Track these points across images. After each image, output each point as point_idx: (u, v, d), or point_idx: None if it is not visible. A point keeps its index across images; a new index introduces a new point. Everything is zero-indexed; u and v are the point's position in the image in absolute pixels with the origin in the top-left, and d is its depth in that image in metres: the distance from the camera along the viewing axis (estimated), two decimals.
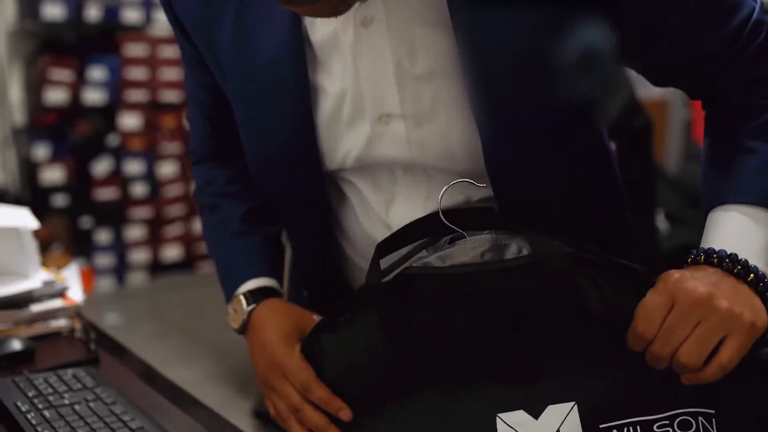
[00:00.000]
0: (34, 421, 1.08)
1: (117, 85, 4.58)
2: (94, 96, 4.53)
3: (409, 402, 0.90)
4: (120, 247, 4.76)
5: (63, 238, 4.47)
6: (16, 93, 4.54)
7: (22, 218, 1.52)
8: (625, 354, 0.84)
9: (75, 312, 1.49)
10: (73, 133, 4.55)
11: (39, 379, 1.20)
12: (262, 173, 1.05)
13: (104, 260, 4.72)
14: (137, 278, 4.87)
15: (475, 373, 0.87)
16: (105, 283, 4.73)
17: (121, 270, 4.80)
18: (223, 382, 3.50)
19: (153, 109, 4.75)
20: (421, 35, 0.90)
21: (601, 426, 0.84)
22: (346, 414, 0.92)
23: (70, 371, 1.23)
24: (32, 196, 4.53)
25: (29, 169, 4.53)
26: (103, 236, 4.70)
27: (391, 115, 0.93)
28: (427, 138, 0.93)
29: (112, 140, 4.67)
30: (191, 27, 1.02)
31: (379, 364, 0.90)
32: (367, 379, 0.92)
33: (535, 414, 0.85)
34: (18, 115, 4.57)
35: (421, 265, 0.88)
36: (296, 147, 0.98)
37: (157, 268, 4.95)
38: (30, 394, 1.15)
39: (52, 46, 4.50)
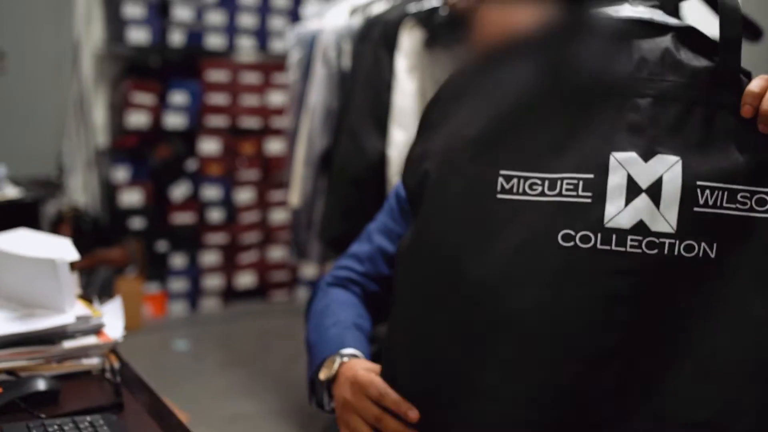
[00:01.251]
0: None
1: (198, 110, 4.60)
2: (174, 120, 4.55)
3: (535, 132, 0.99)
4: (194, 272, 4.76)
5: (138, 260, 4.48)
6: (99, 115, 4.60)
7: (62, 249, 1.46)
8: (730, 129, 0.95)
9: (109, 350, 1.42)
10: (153, 156, 4.58)
11: (54, 426, 1.13)
12: None
13: (178, 284, 4.72)
14: (210, 304, 4.85)
15: (598, 116, 0.97)
16: (178, 307, 4.72)
17: (194, 295, 4.79)
18: (285, 417, 3.41)
19: (232, 134, 4.75)
20: None
21: (698, 182, 0.94)
22: (414, 414, 1.03)
23: (88, 418, 1.15)
24: (110, 218, 4.56)
25: (109, 191, 4.56)
26: (178, 260, 4.70)
27: None
28: None
29: (191, 165, 4.67)
30: None
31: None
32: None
33: (645, 158, 0.95)
34: (101, 137, 4.62)
35: None
36: None
37: (230, 294, 4.92)
38: None
39: (136, 69, 4.55)
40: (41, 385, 1.25)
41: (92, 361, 1.39)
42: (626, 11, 1.00)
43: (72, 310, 1.41)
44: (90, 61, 4.52)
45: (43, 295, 1.42)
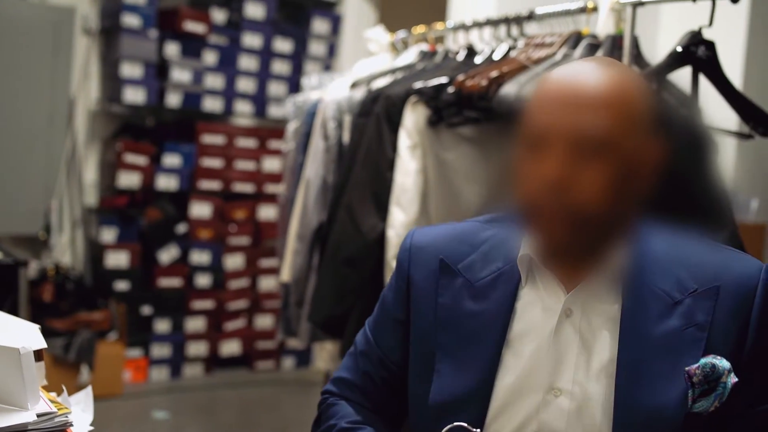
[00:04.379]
0: None
1: (191, 173, 4.51)
2: (167, 182, 4.45)
3: None
4: (178, 338, 4.61)
5: (121, 324, 4.34)
6: (90, 174, 4.49)
7: (28, 337, 1.33)
8: None
9: None
10: (143, 218, 4.47)
11: None
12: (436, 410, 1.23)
13: (161, 350, 4.57)
14: (193, 370, 4.69)
15: None
16: (159, 373, 4.57)
17: (177, 361, 4.63)
18: None
19: (225, 199, 4.65)
20: (601, 334, 1.15)
21: None
22: None
23: None
24: (95, 279, 4.43)
25: (95, 251, 4.44)
26: (162, 325, 4.55)
27: (561, 390, 1.16)
28: (582, 416, 1.15)
29: (181, 228, 4.56)
30: (419, 288, 1.27)
31: None
32: None
33: None
34: (90, 196, 4.51)
35: None
36: (473, 404, 1.20)
37: (213, 361, 4.77)
38: None
39: (130, 129, 4.47)
40: None
41: None
42: None
43: (34, 407, 1.29)
44: (84, 118, 4.44)
45: (3, 387, 1.29)
